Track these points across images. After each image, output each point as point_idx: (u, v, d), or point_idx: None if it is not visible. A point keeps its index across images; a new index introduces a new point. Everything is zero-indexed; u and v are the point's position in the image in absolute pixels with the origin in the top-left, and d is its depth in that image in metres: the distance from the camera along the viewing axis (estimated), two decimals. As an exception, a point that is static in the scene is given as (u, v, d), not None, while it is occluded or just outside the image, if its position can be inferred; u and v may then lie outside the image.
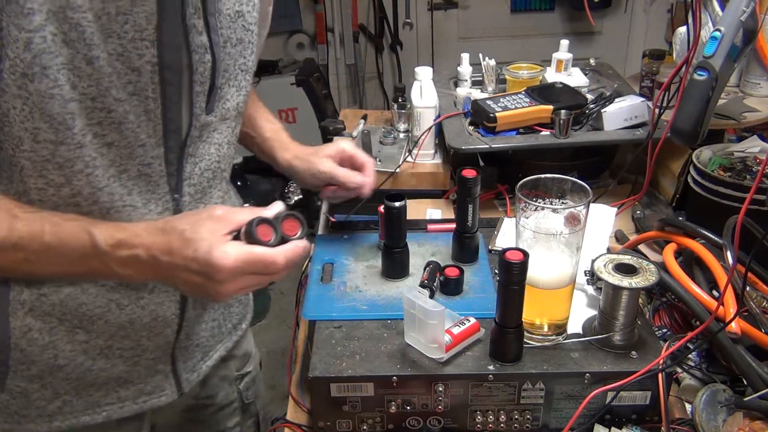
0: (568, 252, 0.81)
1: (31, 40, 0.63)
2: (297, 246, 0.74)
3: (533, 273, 0.80)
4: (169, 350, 0.90)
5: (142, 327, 0.85)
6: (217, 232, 0.71)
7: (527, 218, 0.81)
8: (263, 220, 0.74)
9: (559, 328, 0.86)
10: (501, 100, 1.35)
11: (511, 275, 0.76)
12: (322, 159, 1.01)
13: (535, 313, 0.85)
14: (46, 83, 0.65)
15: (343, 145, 1.03)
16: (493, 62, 1.53)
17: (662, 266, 0.96)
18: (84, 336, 0.82)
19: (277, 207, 0.77)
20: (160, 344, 0.88)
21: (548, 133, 1.31)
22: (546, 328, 0.85)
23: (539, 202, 0.82)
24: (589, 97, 1.40)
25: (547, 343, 0.85)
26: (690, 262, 0.99)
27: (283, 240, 0.75)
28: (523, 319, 0.82)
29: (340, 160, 1.02)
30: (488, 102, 1.35)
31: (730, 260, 0.88)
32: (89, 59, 0.67)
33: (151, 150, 0.76)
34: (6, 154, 0.70)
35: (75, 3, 0.64)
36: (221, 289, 0.72)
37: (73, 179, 0.72)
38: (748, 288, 0.92)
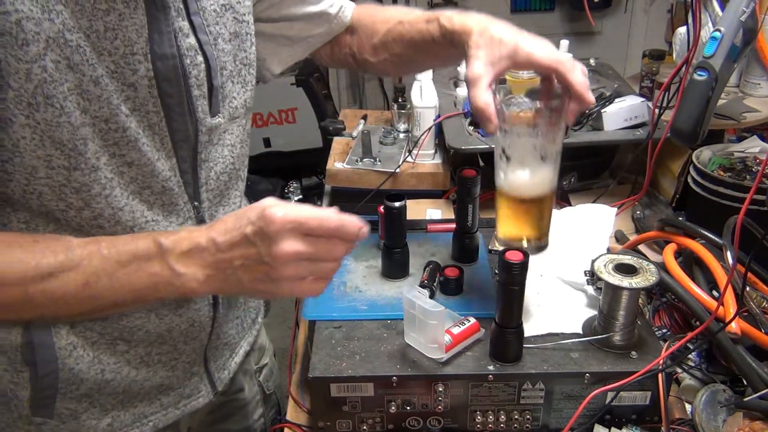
0: (549, 150, 0.83)
1: (30, 71, 0.61)
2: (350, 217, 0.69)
3: (513, 180, 0.82)
4: (202, 352, 0.90)
5: (180, 333, 0.84)
6: None
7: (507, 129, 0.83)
8: None
9: (540, 240, 0.88)
10: (501, 100, 1.35)
11: (511, 275, 0.76)
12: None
13: (514, 228, 0.87)
14: (52, 112, 0.63)
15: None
16: (493, 62, 1.52)
17: (662, 266, 0.96)
18: (124, 346, 0.81)
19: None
20: (195, 347, 0.88)
21: (548, 133, 1.31)
22: (525, 244, 0.87)
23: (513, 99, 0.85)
24: (589, 97, 1.40)
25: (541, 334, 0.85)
26: (690, 262, 0.99)
27: None
28: (504, 236, 0.82)
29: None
30: (488, 102, 1.34)
31: (730, 260, 0.88)
32: (95, 80, 0.65)
33: (163, 162, 0.75)
34: (18, 185, 0.68)
35: (69, 24, 0.62)
36: (278, 255, 0.65)
37: (91, 202, 0.71)
38: (748, 288, 0.92)
